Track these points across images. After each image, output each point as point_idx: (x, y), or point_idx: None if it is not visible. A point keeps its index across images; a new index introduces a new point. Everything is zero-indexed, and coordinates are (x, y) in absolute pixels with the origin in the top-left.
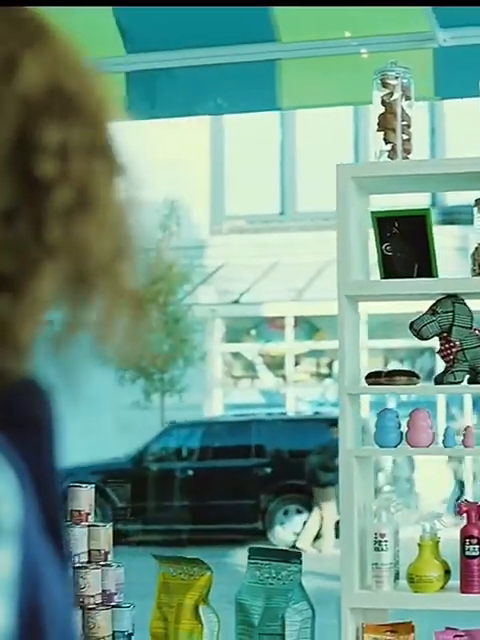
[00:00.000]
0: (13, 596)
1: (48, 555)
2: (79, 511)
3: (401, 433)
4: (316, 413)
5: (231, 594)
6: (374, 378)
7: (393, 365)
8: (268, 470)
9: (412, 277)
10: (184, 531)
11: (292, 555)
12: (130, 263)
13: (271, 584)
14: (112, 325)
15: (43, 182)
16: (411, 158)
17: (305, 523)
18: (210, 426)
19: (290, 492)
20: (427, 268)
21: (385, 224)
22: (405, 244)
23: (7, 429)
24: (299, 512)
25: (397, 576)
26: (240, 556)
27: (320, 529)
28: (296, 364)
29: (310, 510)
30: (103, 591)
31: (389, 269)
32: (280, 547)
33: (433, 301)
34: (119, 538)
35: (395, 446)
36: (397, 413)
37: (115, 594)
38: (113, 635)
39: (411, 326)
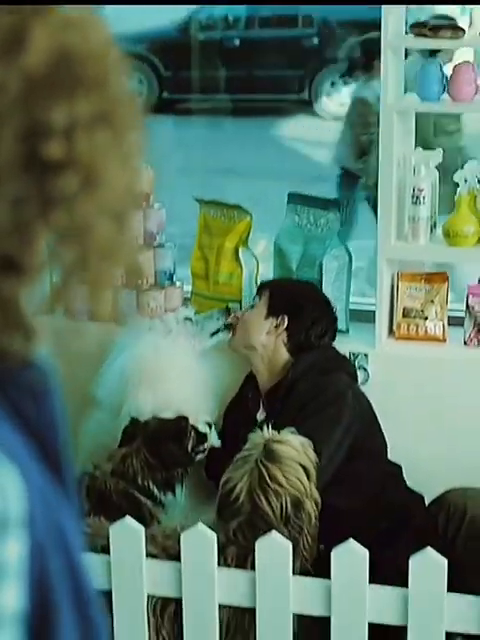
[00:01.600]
0: (24, 581)
1: (55, 505)
2: None
3: (444, 86)
4: None
5: (278, 171)
6: (419, 28)
7: None
8: (315, 41)
9: None
10: (230, 100)
11: (331, 202)
12: (131, 240)
13: (309, 231)
14: (105, 292)
15: (50, 165)
16: None
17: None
18: None
19: (337, 63)
20: None
21: None
22: None
23: (6, 397)
24: (346, 84)
25: (434, 227)
26: (286, 128)
27: None
28: None
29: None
30: (145, 232)
31: None
32: (319, 195)
33: None
34: (166, 107)
35: (437, 99)
36: (441, 64)
37: (157, 235)
38: (155, 274)
39: None
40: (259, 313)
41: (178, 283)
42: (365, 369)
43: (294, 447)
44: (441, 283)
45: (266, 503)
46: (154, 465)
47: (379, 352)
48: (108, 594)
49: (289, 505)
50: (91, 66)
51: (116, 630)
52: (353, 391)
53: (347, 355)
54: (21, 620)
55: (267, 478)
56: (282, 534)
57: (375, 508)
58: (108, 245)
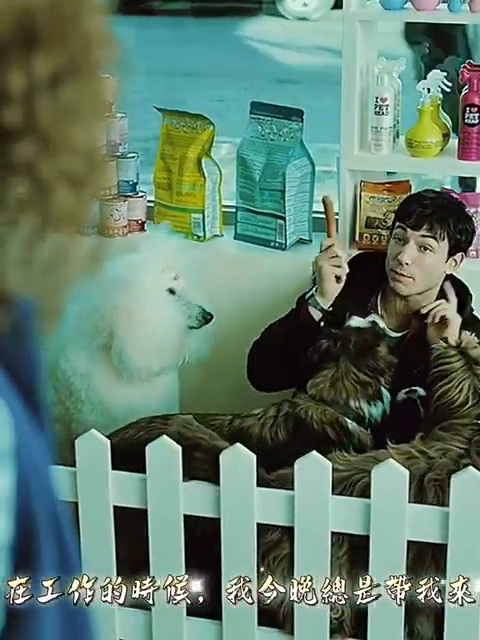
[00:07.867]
0: (11, 511)
1: (34, 439)
2: None
3: None
4: None
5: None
6: None
7: None
8: None
9: None
10: (193, 1)
11: (294, 112)
12: (91, 205)
13: (272, 140)
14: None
15: (8, 133)
16: None
17: None
18: None
19: None
20: None
21: None
22: None
23: None
24: None
25: (397, 136)
26: (250, 29)
27: None
28: None
29: None
30: (108, 141)
31: None
32: (282, 104)
33: None
34: (128, 8)
35: (400, 8)
36: None
37: (120, 145)
38: (118, 185)
39: None
40: (442, 257)
41: (141, 193)
42: None
43: None
44: (403, 193)
45: None
46: None
47: None
48: None
49: None
50: (54, 16)
51: None
52: None
53: (309, 264)
54: (8, 551)
55: None
56: None
57: None
58: (69, 211)
